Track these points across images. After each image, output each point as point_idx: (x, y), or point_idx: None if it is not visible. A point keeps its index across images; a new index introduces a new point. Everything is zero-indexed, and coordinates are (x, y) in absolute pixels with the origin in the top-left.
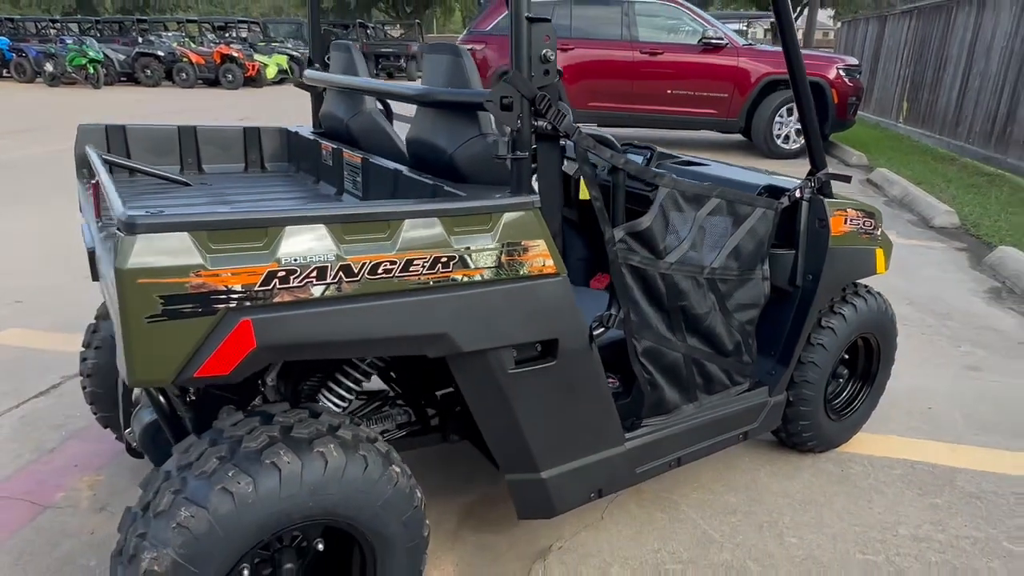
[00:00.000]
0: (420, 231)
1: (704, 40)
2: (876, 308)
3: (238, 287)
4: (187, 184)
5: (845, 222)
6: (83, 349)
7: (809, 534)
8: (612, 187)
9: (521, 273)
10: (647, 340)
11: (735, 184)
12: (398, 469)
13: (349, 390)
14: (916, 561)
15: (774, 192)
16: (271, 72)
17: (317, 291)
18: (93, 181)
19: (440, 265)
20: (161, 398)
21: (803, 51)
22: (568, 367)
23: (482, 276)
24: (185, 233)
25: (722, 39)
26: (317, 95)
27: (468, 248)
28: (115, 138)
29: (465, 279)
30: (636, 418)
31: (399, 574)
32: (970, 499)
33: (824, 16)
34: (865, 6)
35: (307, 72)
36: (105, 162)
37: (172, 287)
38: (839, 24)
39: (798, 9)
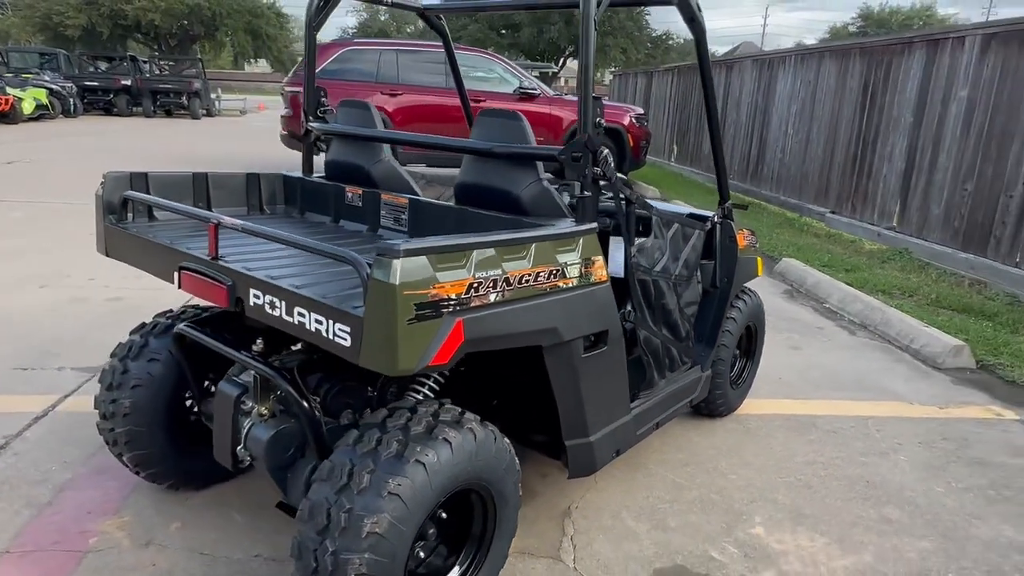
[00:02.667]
0: (541, 251)
1: (520, 90)
2: (757, 303)
3: (453, 296)
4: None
5: (744, 239)
6: (108, 392)
7: (742, 471)
8: (627, 216)
9: (591, 281)
10: (645, 330)
11: (674, 214)
12: (508, 443)
13: (428, 394)
14: (813, 476)
15: (697, 218)
16: (28, 107)
17: (492, 297)
18: (212, 223)
19: (552, 276)
20: (305, 404)
21: (606, 103)
22: (611, 352)
23: (572, 284)
24: (423, 257)
25: (535, 89)
26: (308, 145)
27: (565, 263)
28: (138, 184)
29: (564, 286)
30: (635, 392)
31: (509, 524)
32: (830, 434)
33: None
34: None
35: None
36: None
37: (420, 297)
38: (612, 77)
39: (561, 60)
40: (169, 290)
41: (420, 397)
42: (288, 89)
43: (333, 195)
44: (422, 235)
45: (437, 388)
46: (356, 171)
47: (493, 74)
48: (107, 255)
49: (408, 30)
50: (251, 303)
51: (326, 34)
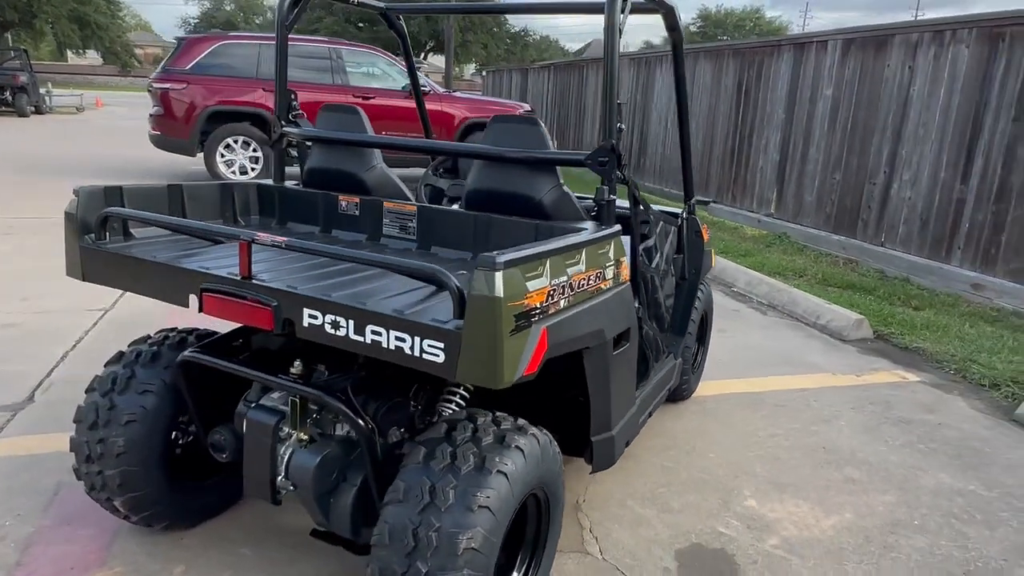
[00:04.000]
0: (591, 255)
1: (407, 85)
2: (708, 292)
3: (538, 304)
4: (220, 242)
5: (707, 233)
6: (92, 431)
7: (717, 449)
8: (637, 217)
9: (620, 281)
10: (646, 325)
11: (656, 212)
12: (557, 449)
13: (463, 400)
14: (778, 448)
15: (669, 215)
16: None
17: (562, 303)
18: (243, 240)
19: (597, 278)
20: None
21: (494, 99)
22: (631, 348)
23: (609, 285)
24: (516, 268)
25: (426, 86)
26: (279, 152)
27: (605, 265)
28: (112, 198)
29: (604, 288)
30: (637, 383)
31: (557, 525)
32: (778, 408)
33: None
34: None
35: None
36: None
37: (518, 308)
38: (484, 73)
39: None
40: (77, 314)
41: (454, 409)
42: (158, 85)
43: (322, 204)
44: (432, 244)
45: (468, 397)
46: (346, 179)
47: (380, 71)
48: (84, 279)
49: (257, 21)
50: (305, 324)
51: (161, 22)
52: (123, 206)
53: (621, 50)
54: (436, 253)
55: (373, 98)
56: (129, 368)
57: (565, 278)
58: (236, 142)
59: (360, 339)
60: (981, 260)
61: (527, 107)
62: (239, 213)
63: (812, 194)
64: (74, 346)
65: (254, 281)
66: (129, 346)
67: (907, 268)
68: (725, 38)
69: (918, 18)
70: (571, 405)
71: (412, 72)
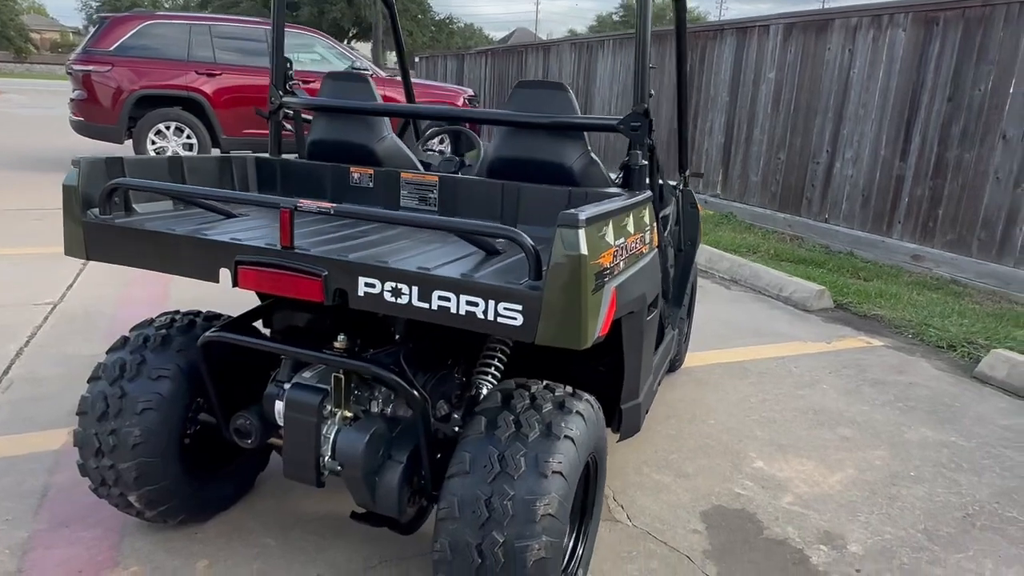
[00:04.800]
0: (636, 218)
1: (353, 69)
2: (696, 266)
3: (608, 264)
4: (233, 216)
5: (700, 206)
6: (102, 423)
7: (714, 416)
8: (655, 183)
9: (653, 246)
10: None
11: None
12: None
13: (497, 372)
14: (772, 412)
15: (668, 187)
16: None
17: (622, 265)
18: (284, 208)
19: (639, 242)
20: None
21: (437, 84)
22: (657, 315)
23: (647, 250)
24: (593, 226)
25: (368, 70)
26: (276, 123)
27: (644, 229)
28: (113, 170)
29: (644, 252)
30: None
31: (603, 491)
32: (763, 375)
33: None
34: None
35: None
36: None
37: (596, 267)
38: (417, 59)
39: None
40: (24, 308)
41: (490, 381)
42: (79, 68)
43: (331, 177)
44: (456, 215)
45: (503, 369)
46: (355, 150)
47: (319, 55)
48: (88, 258)
49: (167, 5)
50: (360, 293)
51: (56, 5)
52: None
53: (561, 36)
54: None
55: (313, 82)
56: (138, 354)
57: (623, 239)
58: (168, 128)
59: (424, 306)
60: (920, 233)
61: (470, 92)
62: (237, 187)
63: (757, 174)
64: (27, 342)
65: (297, 251)
66: (132, 330)
67: (851, 243)
68: None
69: (843, 6)
70: (594, 375)
71: (401, 52)
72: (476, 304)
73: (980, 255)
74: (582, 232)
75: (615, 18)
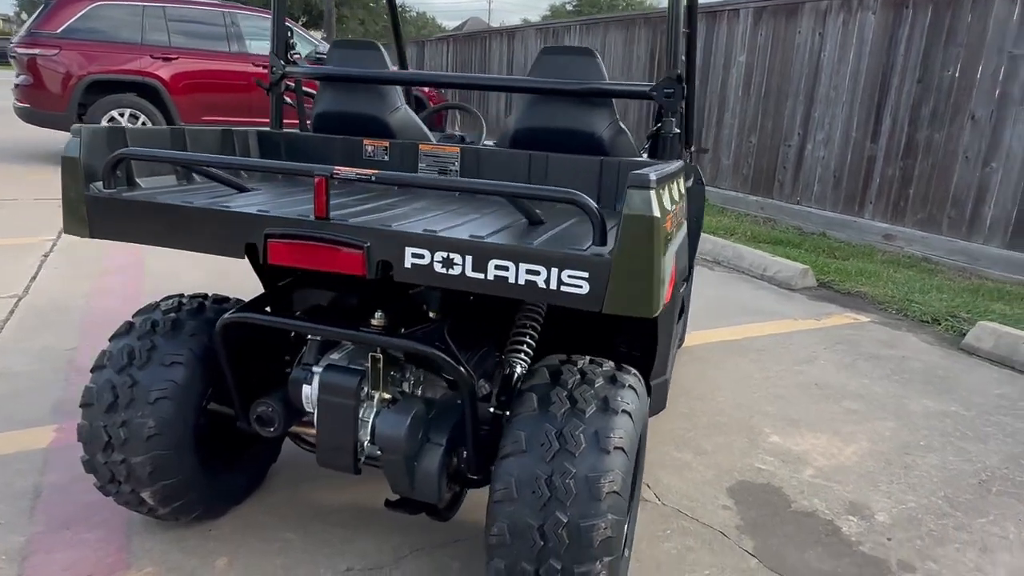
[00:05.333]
0: (677, 187)
1: (317, 55)
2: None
3: (669, 229)
4: (246, 189)
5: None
6: (110, 414)
7: (722, 393)
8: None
9: (686, 217)
10: None
11: None
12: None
13: (529, 350)
14: (778, 388)
15: None
16: None
17: (674, 232)
18: (320, 176)
19: (680, 212)
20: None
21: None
22: (685, 288)
23: (683, 221)
24: (660, 189)
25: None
26: (278, 95)
27: (680, 199)
28: (115, 140)
29: (682, 222)
30: None
31: (643, 465)
32: (761, 352)
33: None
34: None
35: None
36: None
37: (664, 230)
38: None
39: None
40: None
41: (523, 360)
42: (23, 51)
43: (341, 150)
44: None
45: (534, 346)
46: (366, 122)
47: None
48: (91, 235)
49: None
50: (407, 265)
51: None
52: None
53: (443, 31)
54: (485, 198)
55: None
56: (147, 339)
57: (672, 206)
58: (123, 115)
59: (479, 276)
60: (891, 213)
61: None
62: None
63: (729, 158)
64: None
65: (333, 222)
66: (136, 316)
67: (823, 224)
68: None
69: None
70: (615, 353)
71: (396, 27)
72: (537, 273)
73: (950, 233)
74: (653, 194)
75: (568, 7)
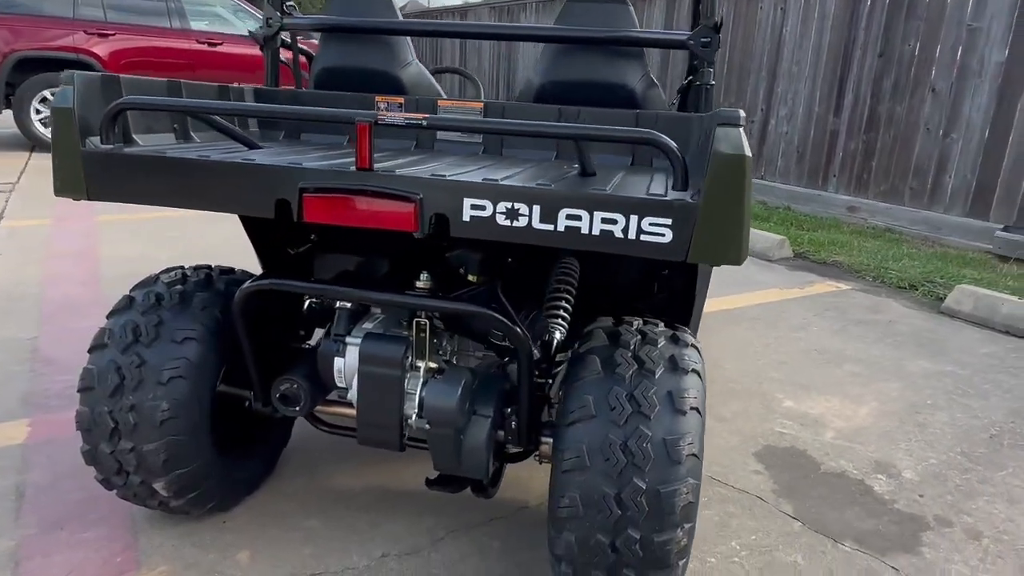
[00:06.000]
0: None
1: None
2: None
3: None
4: (257, 146)
5: None
6: (115, 398)
7: (729, 362)
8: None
9: None
10: None
11: None
12: None
13: (566, 315)
14: (780, 354)
15: None
16: None
17: None
18: (363, 122)
19: None
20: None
21: None
22: None
23: None
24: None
25: None
26: (274, 51)
27: None
28: (110, 90)
29: None
30: None
31: None
32: (756, 320)
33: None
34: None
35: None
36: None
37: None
38: None
39: None
40: None
41: (561, 324)
42: None
43: (350, 107)
44: (505, 146)
45: (571, 310)
46: (375, 78)
47: (222, 15)
48: (88, 197)
49: None
50: (465, 218)
51: None
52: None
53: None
54: (511, 156)
55: (221, 44)
56: (153, 314)
57: None
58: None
59: (547, 228)
60: (855, 185)
61: None
62: (236, 122)
63: None
64: None
65: (381, 172)
66: (135, 289)
67: (787, 198)
68: None
69: None
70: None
71: None
72: (614, 222)
73: (912, 203)
74: (743, 131)
75: None
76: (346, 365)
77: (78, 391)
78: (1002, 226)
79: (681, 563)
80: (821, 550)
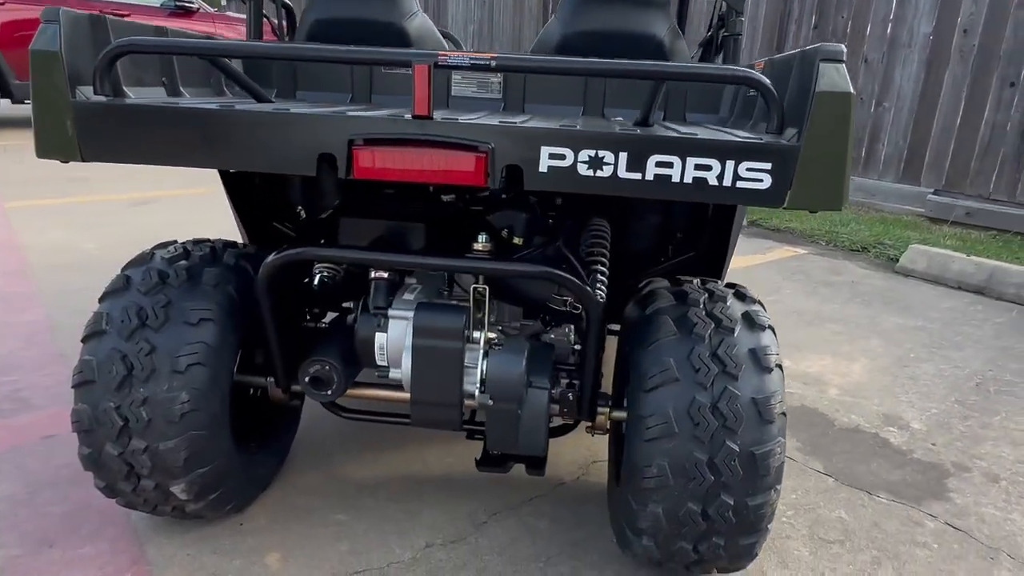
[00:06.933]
0: None
1: (177, 4)
2: None
3: None
4: (269, 100)
5: None
6: (122, 392)
7: None
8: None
9: None
10: None
11: None
12: None
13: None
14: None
15: None
16: None
17: None
18: (421, 63)
19: None
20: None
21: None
22: None
23: None
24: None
25: (193, 3)
26: (257, 5)
27: None
28: (100, 31)
29: None
30: None
31: None
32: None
33: None
34: None
35: None
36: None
37: None
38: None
39: None
40: None
41: (601, 285)
42: None
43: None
44: (527, 100)
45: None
46: (378, 31)
47: None
48: (82, 158)
49: None
50: (543, 168)
51: None
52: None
53: None
54: (536, 112)
55: (128, 15)
56: (158, 294)
57: None
58: None
59: (635, 177)
60: None
61: None
62: (224, 83)
63: None
64: None
65: (443, 120)
66: (129, 268)
67: None
68: None
69: None
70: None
71: None
72: (708, 168)
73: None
74: (844, 68)
75: None
76: (389, 341)
77: (73, 387)
78: (932, 190)
79: (769, 527)
80: (860, 504)
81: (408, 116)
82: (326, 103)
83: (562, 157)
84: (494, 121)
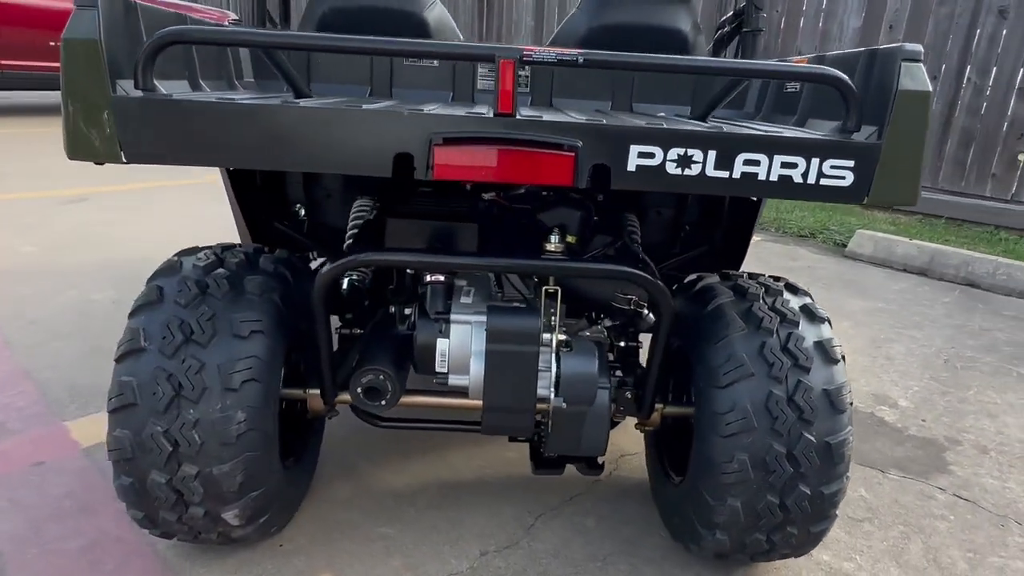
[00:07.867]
0: None
1: None
2: None
3: None
4: (308, 94)
5: None
6: (168, 414)
7: None
8: None
9: None
10: None
11: None
12: None
13: None
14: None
15: None
16: None
17: None
18: (506, 58)
19: None
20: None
21: (196, 5)
22: None
23: None
24: None
25: None
26: None
27: None
28: (132, 19)
29: None
30: None
31: None
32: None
33: None
34: None
35: None
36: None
37: None
38: None
39: None
40: None
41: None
42: None
43: (372, 56)
44: (554, 96)
45: None
46: (396, 21)
47: None
48: (126, 160)
49: None
50: (631, 167)
51: None
52: (141, 31)
53: None
54: (560, 108)
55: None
56: (200, 306)
57: None
58: None
59: (722, 175)
60: None
61: (233, 16)
62: (235, 74)
63: None
64: None
65: (527, 118)
66: (154, 279)
67: None
68: None
69: None
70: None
71: None
72: (794, 166)
73: None
74: (923, 66)
75: None
76: (451, 347)
77: (110, 411)
78: None
79: (837, 512)
80: (876, 481)
81: (490, 114)
82: (345, 97)
83: (651, 156)
84: (581, 119)
